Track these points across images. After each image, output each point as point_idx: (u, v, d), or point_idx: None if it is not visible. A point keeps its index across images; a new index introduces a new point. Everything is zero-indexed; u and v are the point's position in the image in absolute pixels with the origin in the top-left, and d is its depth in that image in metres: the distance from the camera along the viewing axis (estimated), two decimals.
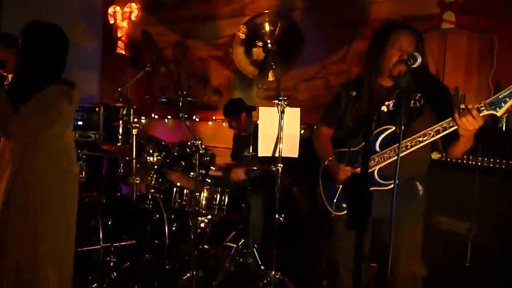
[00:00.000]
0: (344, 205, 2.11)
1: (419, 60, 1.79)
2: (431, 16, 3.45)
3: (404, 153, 1.89)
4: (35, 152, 2.01)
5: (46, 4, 5.73)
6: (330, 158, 2.16)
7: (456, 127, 1.76)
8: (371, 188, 2.02)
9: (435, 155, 2.13)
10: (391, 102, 2.03)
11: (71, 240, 2.18)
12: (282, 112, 2.45)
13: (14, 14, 5.92)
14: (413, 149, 1.88)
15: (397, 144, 1.89)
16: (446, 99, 1.99)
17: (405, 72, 1.78)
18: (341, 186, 2.12)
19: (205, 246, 3.29)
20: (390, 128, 1.97)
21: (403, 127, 1.71)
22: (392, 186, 1.91)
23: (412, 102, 1.97)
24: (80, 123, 4.77)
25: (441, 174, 2.11)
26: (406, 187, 1.98)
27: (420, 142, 1.86)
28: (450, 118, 1.77)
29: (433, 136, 1.83)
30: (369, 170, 2.00)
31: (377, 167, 1.99)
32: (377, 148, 2.00)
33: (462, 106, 1.73)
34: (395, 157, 1.90)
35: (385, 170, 1.98)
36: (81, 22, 5.63)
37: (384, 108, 2.05)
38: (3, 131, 1.97)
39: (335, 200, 2.13)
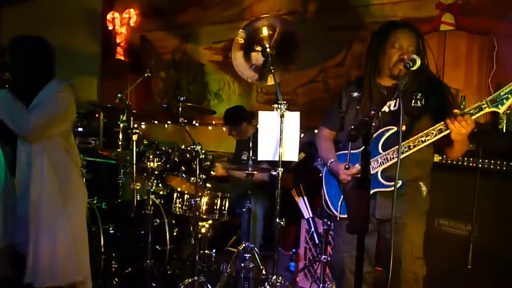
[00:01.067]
0: None
1: (418, 62, 1.79)
2: (430, 18, 3.46)
3: (407, 153, 1.89)
4: (50, 150, 2.16)
5: (46, 12, 5.75)
6: (332, 160, 2.16)
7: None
8: (375, 190, 2.00)
9: (436, 158, 2.13)
10: (392, 102, 2.03)
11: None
12: (282, 116, 2.44)
13: (15, 21, 5.94)
14: (416, 149, 1.88)
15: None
16: (447, 97, 2.00)
17: (404, 75, 1.78)
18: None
19: (206, 251, 3.28)
20: (392, 129, 1.97)
21: (404, 127, 1.71)
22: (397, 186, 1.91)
23: (413, 101, 1.98)
24: (80, 129, 4.77)
25: (442, 176, 2.11)
26: (410, 188, 1.99)
27: (423, 141, 1.87)
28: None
29: (435, 135, 1.84)
30: (373, 172, 2.00)
31: (381, 168, 1.99)
32: (380, 149, 2.00)
33: (456, 111, 1.74)
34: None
35: (388, 171, 1.97)
36: (80, 29, 5.65)
37: (385, 108, 2.04)
38: (21, 131, 2.09)
39: (339, 203, 2.12)
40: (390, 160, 1.95)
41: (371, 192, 1.99)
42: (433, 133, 1.84)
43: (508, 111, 2.66)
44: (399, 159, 1.52)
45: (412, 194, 2.02)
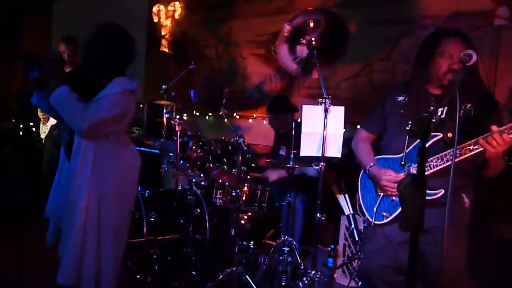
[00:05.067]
0: (384, 213, 2.04)
1: (474, 57, 1.71)
2: (484, 12, 3.30)
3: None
4: (103, 146, 2.11)
5: (94, 3, 5.95)
6: (372, 164, 2.10)
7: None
8: None
9: None
10: (439, 109, 1.96)
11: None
12: (326, 111, 2.42)
13: (64, 15, 6.18)
14: (462, 157, 1.81)
15: (445, 153, 1.85)
16: (497, 112, 1.92)
17: (460, 70, 1.71)
18: (382, 195, 2.07)
19: (245, 243, 3.31)
20: (438, 135, 1.90)
21: (450, 134, 1.65)
22: (438, 195, 1.85)
23: (462, 111, 1.90)
24: None
25: (492, 177, 2.01)
26: (451, 198, 1.90)
27: (471, 150, 1.78)
28: (506, 126, 1.71)
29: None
30: None
31: None
32: None
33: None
34: (442, 165, 1.85)
35: (431, 180, 1.87)
36: (127, 21, 5.78)
37: None
38: (72, 126, 2.07)
39: (375, 209, 2.07)
40: (434, 167, 1.88)
41: None
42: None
43: None
44: (454, 163, 1.46)
45: (453, 205, 1.92)
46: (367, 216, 2.12)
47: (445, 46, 1.90)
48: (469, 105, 1.90)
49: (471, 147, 1.79)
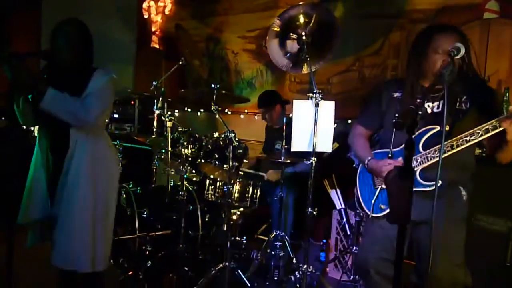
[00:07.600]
0: (382, 206, 2.05)
1: (463, 51, 1.72)
2: (473, 6, 3.32)
3: (450, 152, 1.82)
4: (95, 135, 2.22)
5: (83, 1, 5.89)
6: (370, 158, 2.11)
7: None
8: (413, 189, 1.95)
9: (475, 151, 2.05)
10: (435, 103, 1.97)
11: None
12: (317, 105, 2.42)
13: (53, 7, 6.11)
14: (459, 148, 1.81)
15: (441, 144, 1.84)
16: (493, 100, 1.93)
17: (448, 64, 1.71)
18: (379, 188, 2.08)
19: (237, 238, 3.31)
20: (435, 128, 1.91)
21: (448, 127, 1.65)
22: (434, 187, 1.86)
23: (458, 104, 1.91)
24: (116, 115, 4.89)
25: (480, 170, 2.03)
26: (448, 191, 1.92)
27: (467, 141, 1.79)
28: (502, 116, 1.71)
29: (481, 135, 1.76)
30: None
31: (420, 168, 1.93)
32: (420, 149, 1.94)
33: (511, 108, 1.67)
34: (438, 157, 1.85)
35: (427, 171, 1.92)
36: (116, 17, 5.76)
37: (428, 110, 1.99)
38: (76, 122, 2.12)
39: (373, 201, 2.08)
40: (430, 159, 1.89)
41: None
42: (478, 132, 1.77)
43: None
44: (441, 157, 1.47)
45: (450, 197, 1.94)
46: (365, 209, 2.13)
47: (438, 42, 1.89)
48: (464, 97, 1.91)
49: (467, 138, 1.80)
